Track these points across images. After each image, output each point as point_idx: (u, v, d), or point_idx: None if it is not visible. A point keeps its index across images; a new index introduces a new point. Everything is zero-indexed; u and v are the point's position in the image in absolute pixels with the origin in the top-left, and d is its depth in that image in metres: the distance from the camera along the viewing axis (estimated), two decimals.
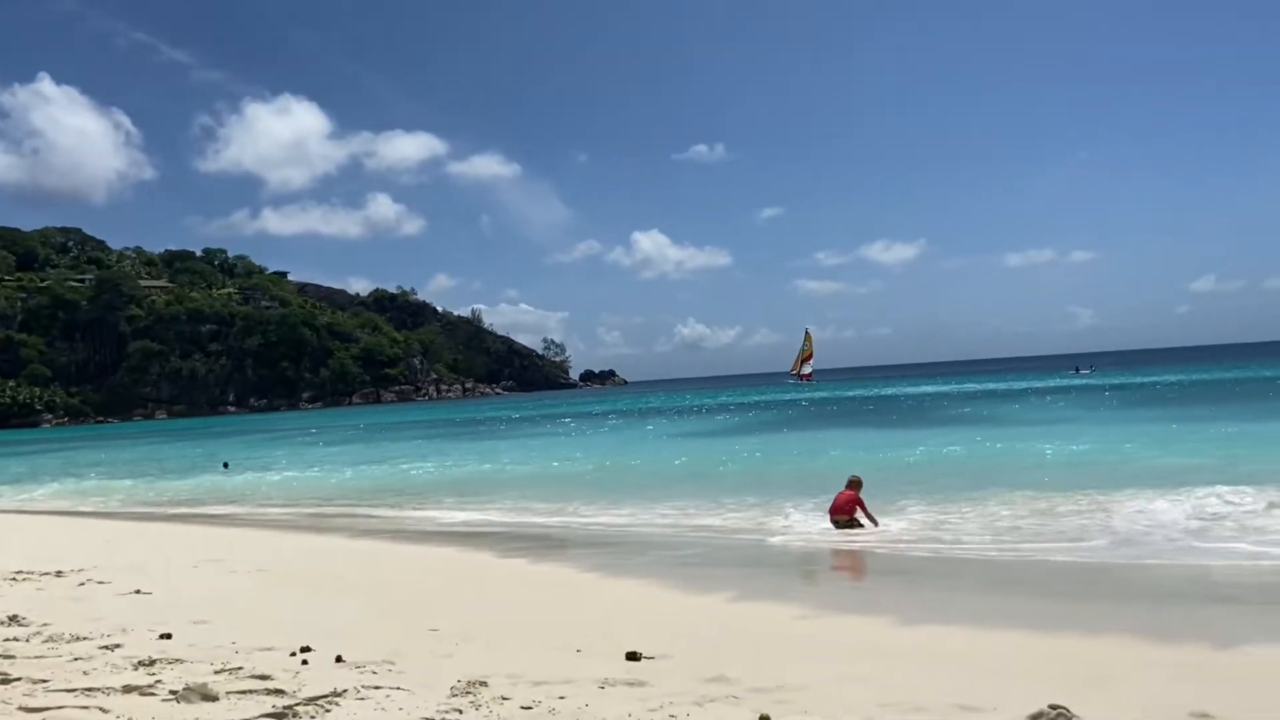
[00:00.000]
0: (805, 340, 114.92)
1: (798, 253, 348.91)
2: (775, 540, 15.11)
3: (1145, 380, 70.93)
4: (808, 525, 16.01)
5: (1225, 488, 16.35)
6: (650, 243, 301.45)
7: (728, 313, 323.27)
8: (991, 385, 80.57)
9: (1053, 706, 5.73)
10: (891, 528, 15.09)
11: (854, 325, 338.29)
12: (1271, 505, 14.88)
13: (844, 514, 15.22)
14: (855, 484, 15.63)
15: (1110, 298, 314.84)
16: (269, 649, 7.87)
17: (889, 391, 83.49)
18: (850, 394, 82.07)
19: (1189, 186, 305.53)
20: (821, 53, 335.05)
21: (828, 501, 15.78)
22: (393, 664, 7.32)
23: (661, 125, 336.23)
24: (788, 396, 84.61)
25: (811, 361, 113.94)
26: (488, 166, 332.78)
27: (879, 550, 13.82)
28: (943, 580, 11.61)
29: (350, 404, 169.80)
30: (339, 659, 7.44)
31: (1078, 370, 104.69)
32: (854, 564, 13.51)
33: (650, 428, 50.08)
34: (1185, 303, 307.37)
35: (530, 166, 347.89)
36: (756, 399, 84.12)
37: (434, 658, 7.58)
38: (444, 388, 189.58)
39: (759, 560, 13.67)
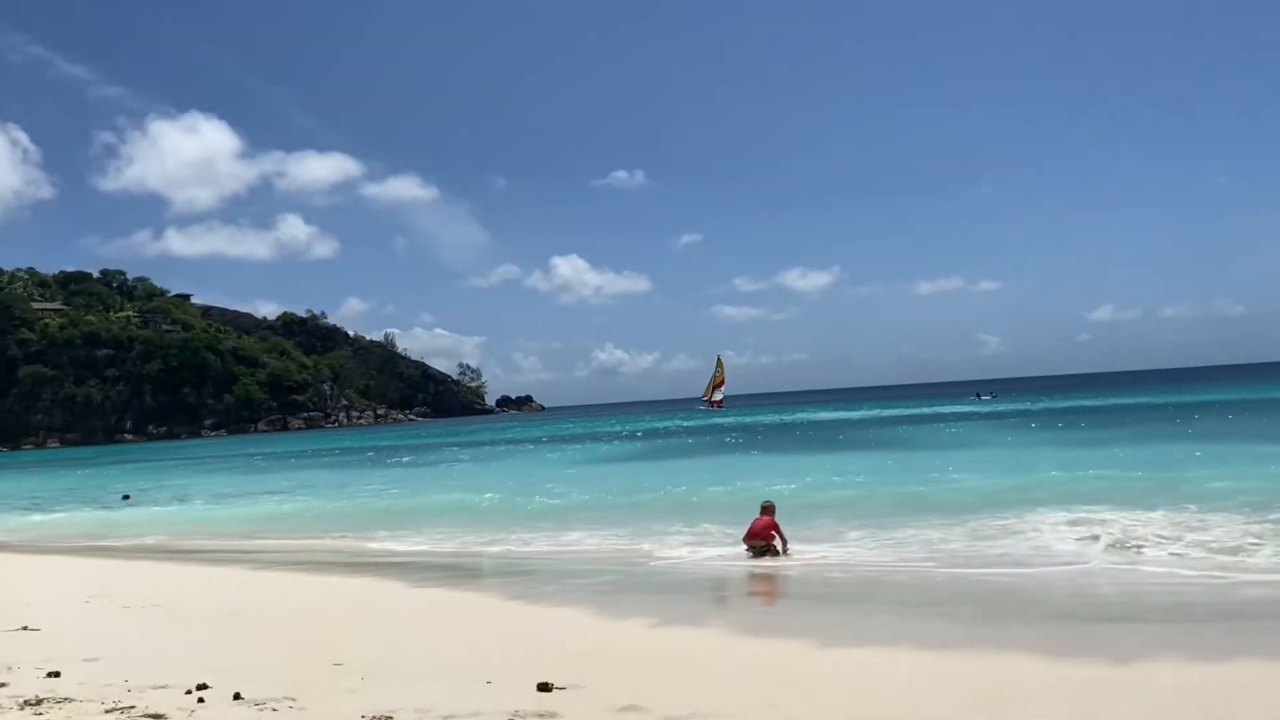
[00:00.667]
0: (717, 367, 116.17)
1: (716, 279, 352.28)
2: (692, 566, 15.15)
3: (1044, 406, 73.31)
4: (725, 551, 16.07)
5: (1121, 511, 16.96)
6: (569, 267, 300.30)
7: (646, 338, 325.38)
8: (898, 411, 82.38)
9: None
10: (807, 552, 15.26)
11: (770, 351, 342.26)
12: (1166, 526, 15.52)
13: (761, 539, 15.25)
14: (769, 509, 15.73)
15: (1015, 326, 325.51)
16: (163, 687, 7.56)
17: (800, 417, 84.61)
18: (765, 420, 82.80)
19: (1089, 218, 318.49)
20: (742, 83, 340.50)
21: (743, 528, 15.86)
22: (294, 700, 7.09)
23: (582, 151, 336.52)
24: (702, 422, 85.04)
25: (723, 388, 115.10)
26: (404, 189, 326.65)
27: (793, 574, 14.00)
28: (854, 603, 11.80)
29: (256, 431, 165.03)
30: (237, 696, 7.19)
31: (979, 396, 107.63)
32: (769, 588, 13.66)
33: (557, 456, 49.77)
34: (1085, 331, 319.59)
35: (448, 189, 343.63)
36: (671, 424, 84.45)
37: (338, 693, 7.37)
38: (355, 414, 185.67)
39: (675, 586, 13.67)
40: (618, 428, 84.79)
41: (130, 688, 7.55)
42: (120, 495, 39.06)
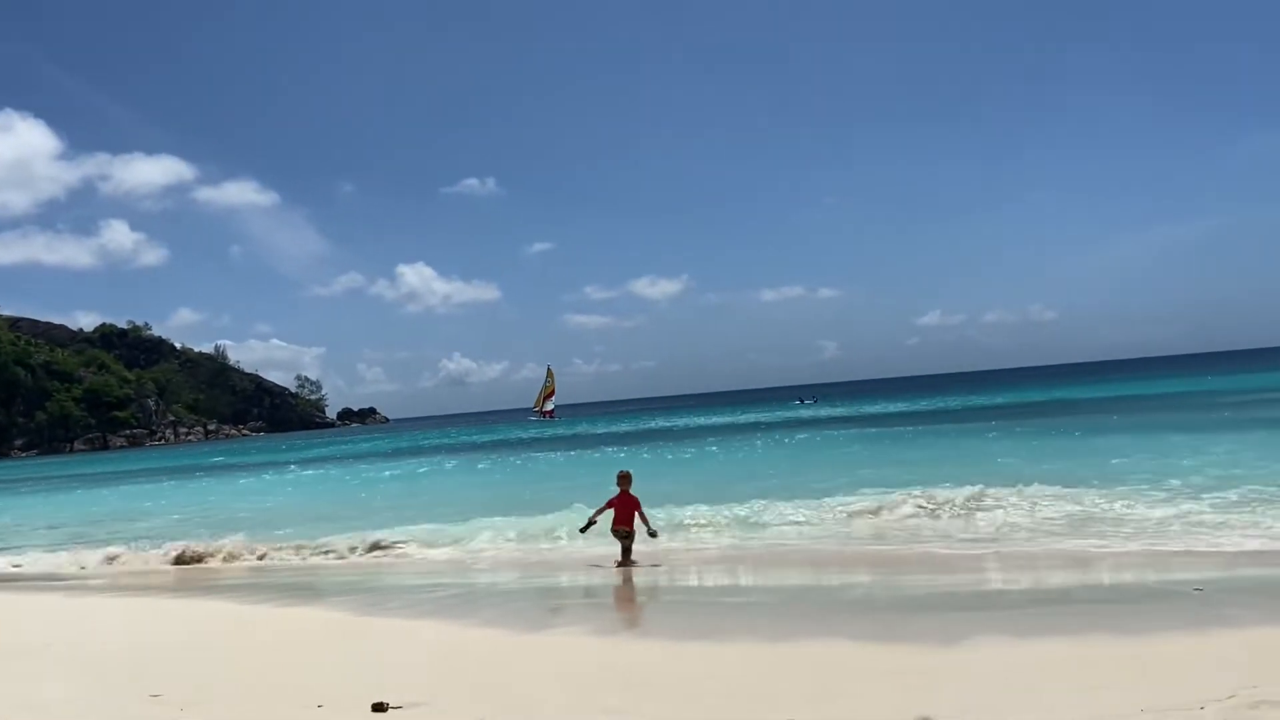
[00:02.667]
0: (548, 377, 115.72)
1: (567, 287, 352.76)
2: (544, 570, 15.04)
3: (865, 410, 76.16)
4: (575, 549, 15.87)
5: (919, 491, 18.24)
6: (416, 276, 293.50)
7: (495, 348, 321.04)
8: (722, 419, 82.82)
9: None
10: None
11: (620, 358, 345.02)
12: (968, 510, 16.86)
13: (627, 524, 13.82)
14: (626, 478, 14.15)
15: (852, 331, 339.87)
16: None
17: (634, 427, 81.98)
18: (597, 430, 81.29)
19: (917, 228, 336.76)
20: (595, 91, 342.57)
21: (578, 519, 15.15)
22: None
23: (433, 157, 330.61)
24: (528, 434, 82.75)
25: (554, 398, 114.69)
26: (241, 194, 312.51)
27: (638, 571, 14.02)
28: (691, 598, 11.96)
29: (72, 450, 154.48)
30: None
31: (801, 401, 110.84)
32: (622, 587, 13.60)
33: (388, 473, 48.56)
34: (915, 335, 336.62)
35: (289, 195, 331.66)
36: (508, 436, 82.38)
37: None
38: (183, 430, 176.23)
39: (525, 594, 13.53)
40: (463, 438, 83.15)
41: None
42: None
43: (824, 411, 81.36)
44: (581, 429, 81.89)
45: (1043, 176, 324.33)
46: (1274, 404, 41.02)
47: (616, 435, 62.98)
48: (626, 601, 13.10)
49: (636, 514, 13.93)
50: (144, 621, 13.10)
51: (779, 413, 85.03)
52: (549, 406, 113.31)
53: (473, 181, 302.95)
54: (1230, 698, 6.10)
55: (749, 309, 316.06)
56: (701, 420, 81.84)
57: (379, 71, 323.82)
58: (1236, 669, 6.88)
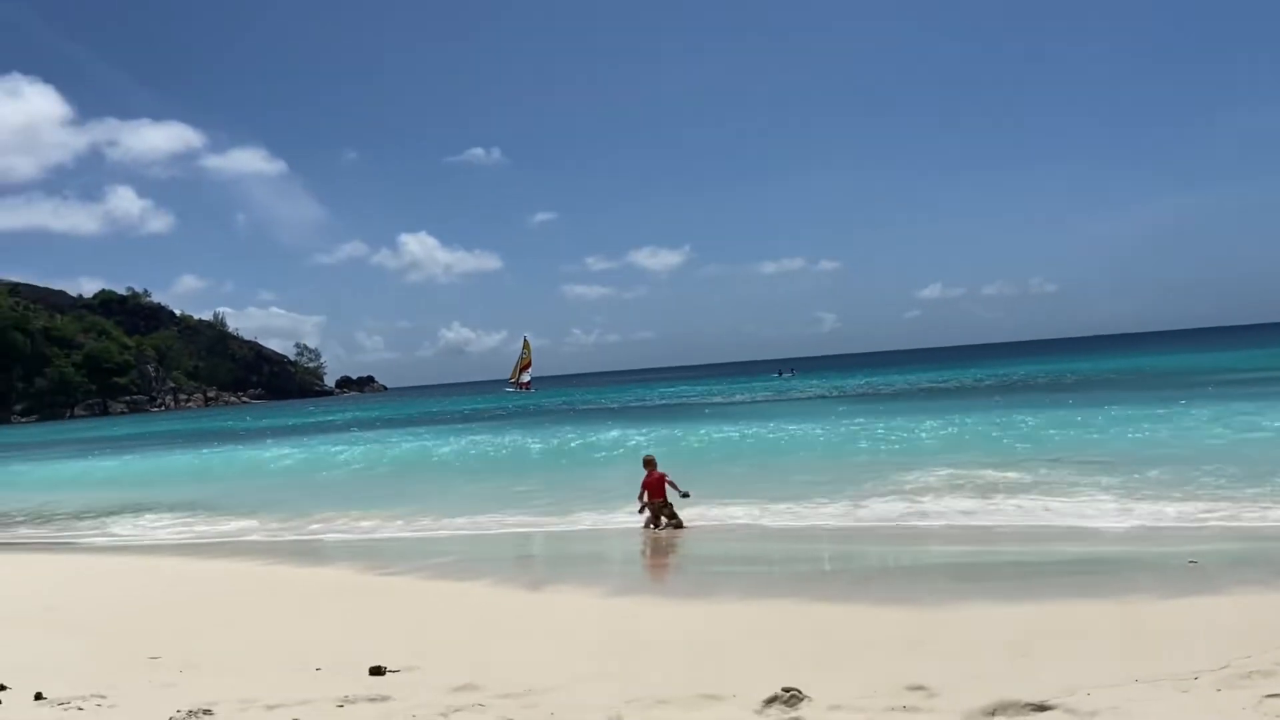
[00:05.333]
0: (524, 348, 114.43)
1: (568, 258, 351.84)
2: (541, 537, 15.32)
3: (848, 381, 75.62)
4: (584, 521, 16.22)
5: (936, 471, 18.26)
6: (418, 245, 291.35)
7: (495, 317, 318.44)
8: (695, 389, 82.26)
9: (785, 689, 5.99)
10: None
11: (619, 329, 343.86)
12: (982, 486, 16.73)
13: (660, 496, 14.86)
14: (651, 461, 15.38)
15: (851, 303, 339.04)
16: None
17: (618, 400, 79.69)
18: (584, 398, 79.99)
19: (919, 201, 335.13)
20: (601, 62, 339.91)
21: (592, 497, 15.82)
22: (104, 697, 6.65)
23: (439, 126, 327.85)
24: (513, 404, 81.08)
25: (530, 370, 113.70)
26: (248, 161, 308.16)
27: (659, 537, 14.40)
28: (709, 559, 12.09)
29: (72, 416, 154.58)
30: (39, 696, 6.68)
31: (780, 374, 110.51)
32: (632, 550, 13.97)
33: (397, 439, 48.52)
34: (915, 308, 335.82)
35: (295, 163, 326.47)
36: (485, 406, 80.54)
37: (153, 688, 6.96)
38: (183, 397, 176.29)
39: (520, 557, 13.65)
40: (454, 407, 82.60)
41: None
42: None
43: (798, 385, 79.73)
44: (558, 402, 79.04)
45: (1046, 147, 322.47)
46: (1236, 383, 40.25)
47: (582, 411, 60.63)
48: (639, 564, 13.33)
49: (667, 484, 14.99)
50: (147, 584, 13.16)
51: (757, 384, 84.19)
52: (525, 379, 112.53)
53: (478, 151, 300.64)
54: (1224, 668, 6.13)
55: (750, 281, 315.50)
56: (679, 391, 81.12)
57: (387, 40, 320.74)
58: (1230, 639, 6.91)
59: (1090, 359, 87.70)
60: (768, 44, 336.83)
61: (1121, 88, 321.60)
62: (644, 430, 33.50)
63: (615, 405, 64.42)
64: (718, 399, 63.88)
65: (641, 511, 15.06)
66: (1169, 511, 13.56)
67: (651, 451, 16.76)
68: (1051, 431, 24.36)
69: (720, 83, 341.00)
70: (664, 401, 66.72)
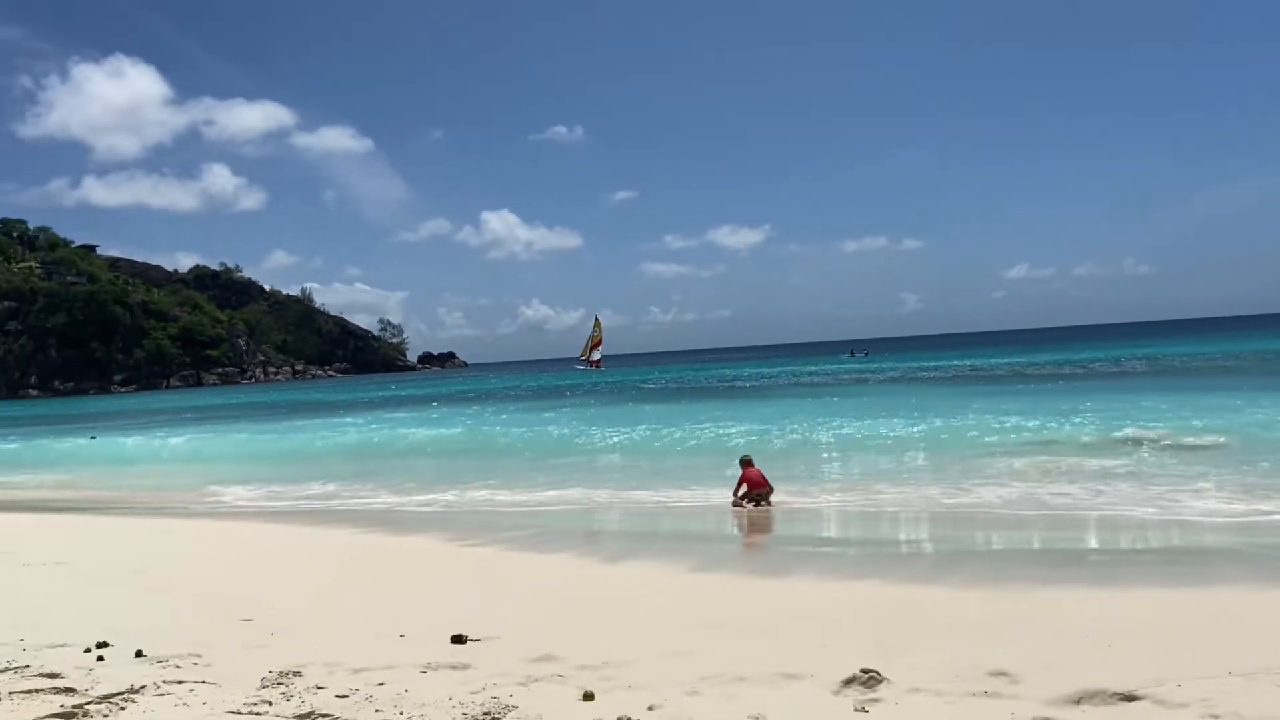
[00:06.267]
0: (595, 326, 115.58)
1: (647, 236, 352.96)
2: (620, 511, 15.43)
3: (940, 363, 73.91)
4: (663, 497, 16.43)
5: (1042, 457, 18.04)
6: (500, 222, 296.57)
7: (573, 295, 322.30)
8: (771, 370, 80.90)
9: (864, 670, 5.94)
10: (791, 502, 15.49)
11: (696, 308, 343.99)
12: (1095, 469, 16.59)
13: (764, 485, 15.38)
14: (748, 460, 15.84)
15: (935, 283, 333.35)
16: (61, 645, 7.31)
17: (680, 376, 79.13)
18: (663, 376, 79.72)
19: (1007, 180, 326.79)
20: (685, 42, 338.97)
21: (662, 477, 15.99)
22: (199, 657, 6.92)
23: (522, 104, 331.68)
24: (584, 381, 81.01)
25: (601, 348, 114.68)
26: (337, 140, 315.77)
27: (715, 511, 14.55)
28: (791, 539, 12.25)
29: (168, 387, 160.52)
30: (139, 654, 6.98)
31: (852, 354, 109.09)
32: (714, 527, 14.18)
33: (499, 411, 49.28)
34: (1001, 289, 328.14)
35: (382, 141, 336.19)
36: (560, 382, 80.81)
37: (245, 649, 7.21)
38: (271, 370, 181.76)
39: (601, 531, 13.78)
40: (543, 382, 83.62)
41: (25, 647, 7.28)
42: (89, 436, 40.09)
43: (872, 366, 78.16)
44: (633, 380, 79.07)
45: (1143, 124, 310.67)
46: None
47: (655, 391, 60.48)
48: (720, 541, 13.39)
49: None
50: (240, 549, 13.62)
51: (831, 366, 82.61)
52: (595, 356, 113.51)
53: (561, 129, 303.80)
54: None
55: (830, 259, 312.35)
56: (756, 373, 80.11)
57: (473, 20, 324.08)
58: None
59: (1189, 342, 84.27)
60: (857, 26, 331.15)
61: (1213, 60, 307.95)
62: (726, 412, 33.38)
63: (695, 385, 64.37)
64: (793, 379, 63.22)
65: (740, 502, 15.29)
66: (1276, 505, 13.04)
67: (743, 445, 17.44)
68: (1151, 418, 23.55)
69: (804, 60, 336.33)
70: (745, 384, 66.34)
